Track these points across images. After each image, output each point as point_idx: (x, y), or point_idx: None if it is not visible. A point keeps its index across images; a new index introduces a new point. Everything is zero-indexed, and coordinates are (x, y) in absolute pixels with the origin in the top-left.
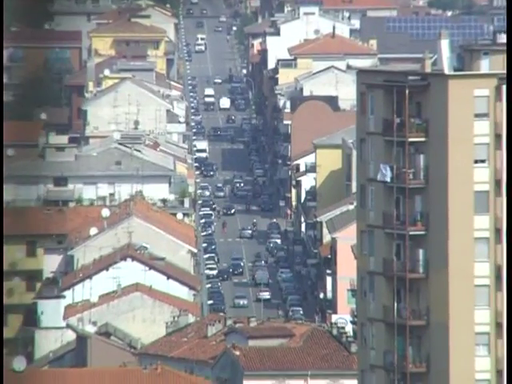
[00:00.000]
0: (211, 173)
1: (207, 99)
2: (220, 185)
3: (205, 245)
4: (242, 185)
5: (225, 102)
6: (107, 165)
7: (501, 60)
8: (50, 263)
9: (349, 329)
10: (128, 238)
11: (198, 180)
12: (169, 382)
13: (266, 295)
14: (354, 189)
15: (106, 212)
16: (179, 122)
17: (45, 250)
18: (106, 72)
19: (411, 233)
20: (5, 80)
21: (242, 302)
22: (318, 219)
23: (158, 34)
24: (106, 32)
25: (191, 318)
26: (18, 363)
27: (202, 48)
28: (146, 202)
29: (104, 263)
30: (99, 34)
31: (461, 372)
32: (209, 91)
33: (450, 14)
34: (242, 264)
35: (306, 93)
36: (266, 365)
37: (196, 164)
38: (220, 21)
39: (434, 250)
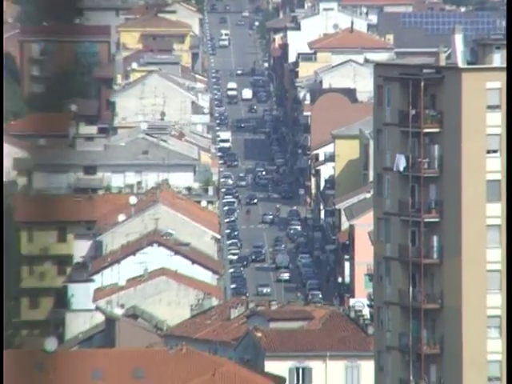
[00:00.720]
0: (234, 162)
1: (230, 92)
2: (242, 174)
3: (228, 231)
4: (264, 173)
5: (247, 94)
6: (134, 154)
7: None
8: (79, 248)
9: (366, 312)
10: (154, 225)
11: (221, 169)
12: (193, 362)
13: (285, 276)
14: (370, 178)
15: (133, 199)
16: (203, 113)
17: (75, 235)
18: (134, 65)
19: (426, 220)
20: (36, 73)
21: (265, 290)
22: (337, 207)
23: (184, 28)
24: (134, 27)
25: (215, 301)
26: (50, 344)
27: (226, 43)
28: (172, 190)
29: (131, 248)
30: (127, 28)
31: (473, 353)
32: (232, 84)
33: (463, 9)
34: (263, 251)
35: (325, 85)
36: (287, 346)
37: (219, 154)
38: (243, 16)
39: (448, 236)
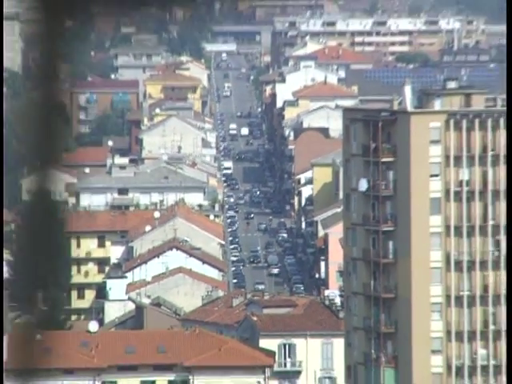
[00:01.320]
0: (235, 185)
1: (231, 131)
2: (241, 194)
3: (230, 238)
4: (258, 193)
5: (245, 132)
6: (158, 179)
7: (449, 101)
8: (115, 252)
9: (337, 300)
10: (173, 234)
11: (225, 190)
12: (204, 340)
13: (275, 271)
14: (341, 196)
15: (157, 214)
16: (211, 147)
17: (112, 242)
18: (157, 110)
19: (383, 229)
20: (83, 117)
21: (260, 287)
22: (315, 219)
23: (196, 82)
24: (157, 80)
25: (220, 293)
26: (92, 326)
27: (228, 93)
28: (187, 207)
29: (155, 252)
30: (152, 82)
31: (420, 332)
32: (233, 125)
33: (411, 66)
34: (258, 254)
35: (305, 125)
36: (276, 327)
37: (223, 178)
38: (241, 72)
39: (401, 241)
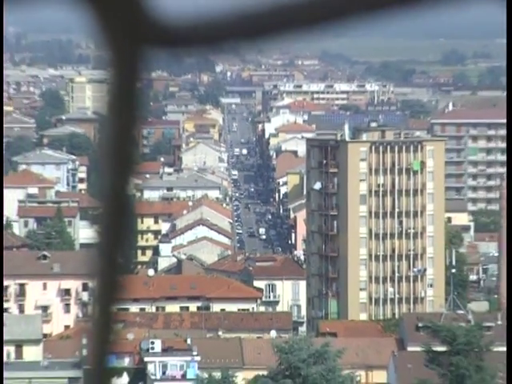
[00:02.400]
0: (239, 186)
1: (236, 152)
2: (242, 191)
3: (236, 218)
4: (253, 191)
5: (244, 152)
6: (191, 181)
7: (371, 135)
8: (164, 227)
9: (302, 257)
10: (200, 216)
11: (232, 189)
12: (219, 281)
13: (263, 237)
14: (304, 193)
15: (190, 203)
16: (224, 162)
17: (162, 220)
18: (191, 139)
19: (331, 213)
20: (145, 143)
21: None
22: (288, 207)
23: (215, 122)
24: (191, 121)
25: (229, 253)
26: (150, 272)
27: (235, 129)
28: (209, 199)
29: (189, 227)
30: (188, 121)
31: (353, 277)
32: (237, 149)
33: (348, 113)
34: (253, 229)
35: (283, 149)
36: (264, 273)
37: (232, 181)
38: (243, 116)
39: (341, 221)
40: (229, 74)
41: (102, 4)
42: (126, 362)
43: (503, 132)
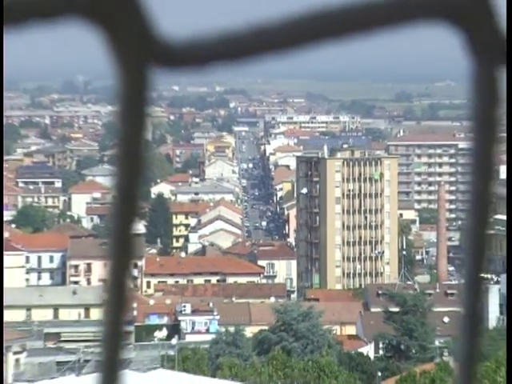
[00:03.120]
0: (247, 191)
1: (244, 166)
2: (249, 195)
3: (245, 215)
4: (257, 194)
5: (250, 166)
6: (212, 188)
7: (344, 153)
8: (192, 221)
9: (293, 243)
10: (219, 213)
11: (242, 193)
12: (232, 261)
13: (265, 228)
14: (295, 196)
15: (211, 204)
16: (236, 174)
17: (191, 216)
18: (212, 157)
19: (314, 211)
20: (177, 160)
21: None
22: (283, 206)
23: (229, 144)
24: (212, 143)
25: (240, 240)
26: (182, 254)
27: (244, 150)
28: (225, 201)
29: (210, 221)
30: (209, 144)
31: (330, 257)
32: (244, 165)
33: (327, 137)
34: (257, 222)
35: (279, 164)
36: (266, 255)
37: (242, 188)
38: (250, 140)
39: (322, 217)
40: (239, 109)
41: (113, 26)
42: (165, 320)
43: (440, 151)
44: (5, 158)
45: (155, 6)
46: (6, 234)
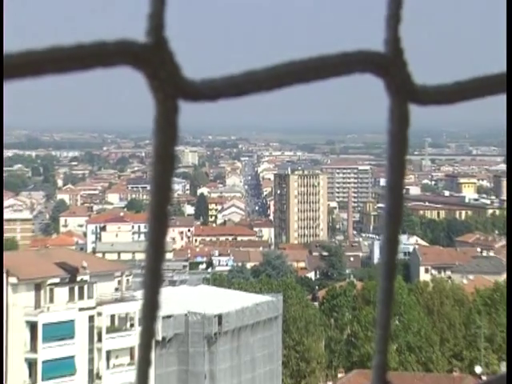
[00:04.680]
0: (247, 191)
1: (247, 179)
2: (248, 194)
3: (246, 204)
4: (253, 193)
5: (249, 178)
6: (229, 190)
7: (297, 172)
8: (219, 207)
9: (273, 219)
10: (234, 203)
11: (245, 193)
12: (240, 229)
13: (257, 210)
14: (273, 194)
15: (229, 198)
16: (241, 183)
17: (218, 205)
18: (229, 174)
19: (283, 202)
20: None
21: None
22: (267, 199)
23: (239, 168)
24: (229, 166)
25: (244, 217)
26: (213, 225)
27: (246, 170)
28: (236, 197)
29: (229, 206)
30: (227, 167)
31: (292, 230)
32: (246, 178)
33: (290, 163)
34: (253, 209)
35: (265, 177)
36: (258, 226)
37: (245, 190)
38: (253, 163)
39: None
40: (243, 148)
41: (151, 69)
42: (204, 259)
43: (349, 171)
44: (121, 173)
45: (182, 55)
46: (121, 214)
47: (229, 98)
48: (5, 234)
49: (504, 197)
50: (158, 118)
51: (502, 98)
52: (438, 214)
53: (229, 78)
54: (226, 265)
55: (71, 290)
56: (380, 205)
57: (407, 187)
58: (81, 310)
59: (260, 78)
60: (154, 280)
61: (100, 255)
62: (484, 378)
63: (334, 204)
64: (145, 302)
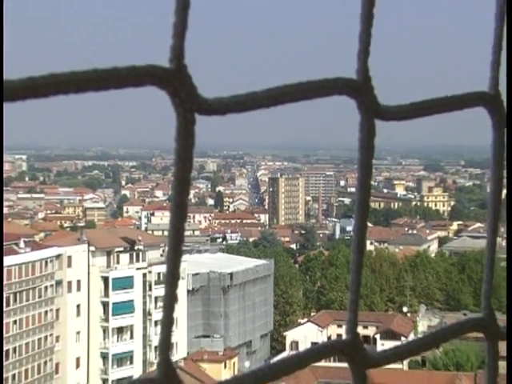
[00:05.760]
0: (251, 189)
1: (249, 181)
2: (251, 191)
3: (249, 197)
4: (253, 190)
5: (252, 180)
6: (238, 188)
7: (284, 177)
8: (230, 200)
9: (267, 208)
10: (240, 197)
11: (248, 190)
12: (244, 215)
13: (256, 202)
14: (267, 192)
15: (237, 194)
16: (246, 183)
17: (229, 198)
18: (238, 177)
19: (274, 196)
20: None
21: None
22: (264, 195)
23: (244, 173)
24: (241, 178)
25: (248, 206)
26: (227, 211)
27: (249, 175)
28: (242, 193)
29: (238, 199)
30: (238, 179)
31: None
32: (249, 180)
33: (279, 170)
34: (254, 201)
35: (262, 179)
36: (257, 213)
37: (247, 191)
38: (251, 172)
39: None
40: (248, 160)
41: (173, 89)
42: (221, 235)
43: (317, 177)
44: (164, 177)
45: (197, 76)
46: (164, 204)
47: (234, 112)
48: (87, 218)
49: (423, 193)
50: (178, 128)
51: (428, 121)
52: (379, 204)
53: (235, 96)
54: (236, 239)
55: (131, 256)
56: (340, 198)
57: None
58: (137, 269)
59: (259, 97)
60: (175, 254)
61: (150, 232)
62: (409, 315)
63: (308, 198)
64: (168, 265)
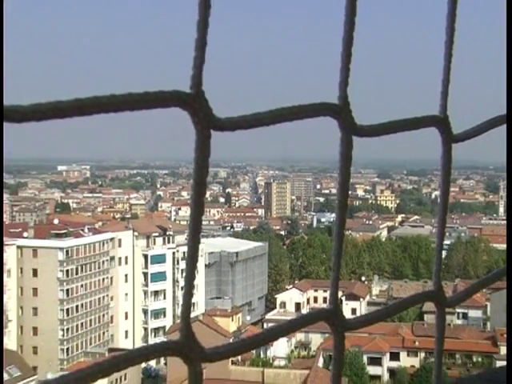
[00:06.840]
0: (252, 190)
1: (250, 185)
2: (251, 192)
3: (250, 197)
4: (253, 191)
5: (252, 185)
6: (243, 190)
7: (276, 182)
8: (236, 198)
9: (263, 204)
10: (244, 197)
11: (250, 192)
12: (247, 209)
13: (255, 200)
14: (264, 193)
15: (242, 194)
16: (248, 187)
17: (235, 197)
18: (242, 183)
19: (268, 196)
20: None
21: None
22: (260, 195)
23: (246, 180)
24: (245, 182)
25: (250, 202)
26: (234, 206)
27: (251, 181)
28: (245, 194)
29: (242, 198)
30: (242, 183)
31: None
32: (250, 184)
33: (272, 177)
34: (253, 199)
35: (260, 184)
36: (256, 208)
37: (249, 190)
38: (252, 179)
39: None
40: (250, 170)
41: (192, 109)
42: (229, 224)
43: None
44: (188, 181)
45: (212, 100)
46: (188, 202)
47: (242, 129)
48: (132, 212)
49: (377, 194)
50: (197, 142)
51: (381, 141)
52: None
53: (242, 116)
54: (240, 227)
55: (164, 239)
56: (317, 198)
57: (332, 190)
58: (168, 248)
59: (261, 117)
60: (194, 240)
61: (178, 222)
62: (366, 283)
63: (293, 197)
64: (189, 246)
